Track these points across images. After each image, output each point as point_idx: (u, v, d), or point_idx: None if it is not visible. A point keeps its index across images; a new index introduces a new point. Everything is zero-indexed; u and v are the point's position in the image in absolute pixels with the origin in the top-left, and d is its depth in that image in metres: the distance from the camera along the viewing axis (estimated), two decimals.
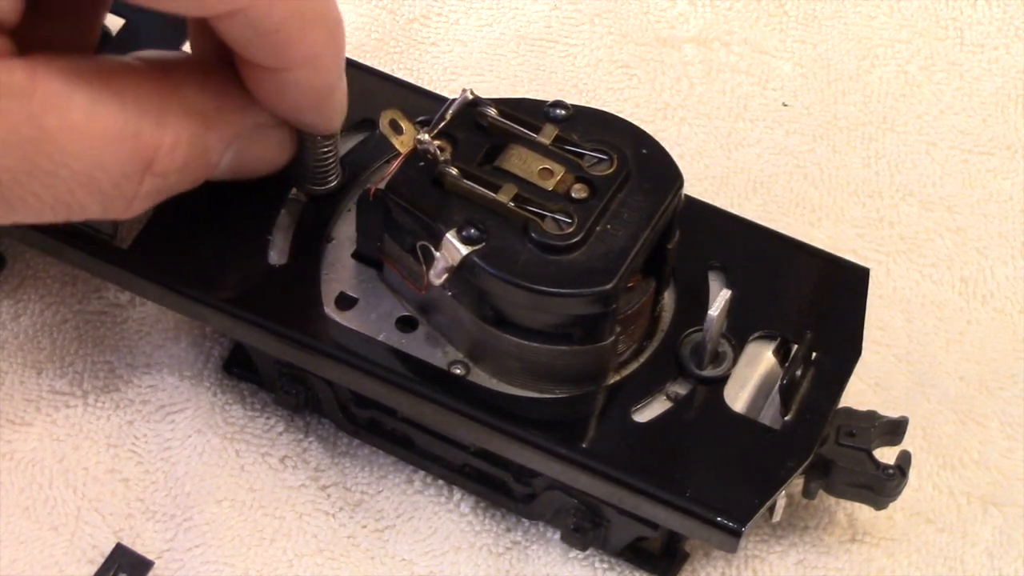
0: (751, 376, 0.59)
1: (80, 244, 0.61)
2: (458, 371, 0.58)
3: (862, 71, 0.75)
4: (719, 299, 0.57)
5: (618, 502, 0.57)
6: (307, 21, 0.52)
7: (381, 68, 0.67)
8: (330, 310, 0.59)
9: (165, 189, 0.54)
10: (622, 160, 0.57)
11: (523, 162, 0.57)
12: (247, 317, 0.59)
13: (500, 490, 0.61)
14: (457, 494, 0.62)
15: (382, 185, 0.57)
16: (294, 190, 0.62)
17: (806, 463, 0.57)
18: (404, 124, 0.57)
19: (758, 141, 0.72)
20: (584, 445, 0.56)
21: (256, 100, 0.55)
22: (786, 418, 0.57)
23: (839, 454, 0.58)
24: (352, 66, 0.65)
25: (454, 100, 0.58)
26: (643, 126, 0.58)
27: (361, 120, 0.63)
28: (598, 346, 0.57)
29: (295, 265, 0.60)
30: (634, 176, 0.57)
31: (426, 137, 0.57)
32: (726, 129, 0.73)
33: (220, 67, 0.55)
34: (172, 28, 0.65)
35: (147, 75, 0.53)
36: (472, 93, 0.58)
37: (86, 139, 0.50)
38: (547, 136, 0.57)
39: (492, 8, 0.76)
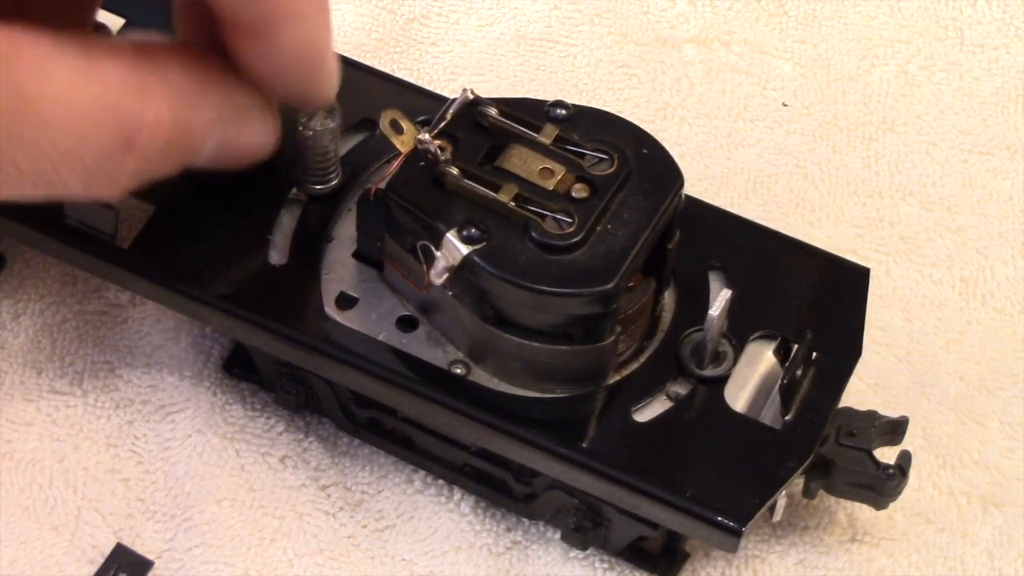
0: (751, 376, 0.59)
1: (80, 244, 0.61)
2: (459, 371, 0.58)
3: (862, 71, 0.75)
4: (719, 299, 0.57)
5: (618, 502, 0.57)
6: None
7: (381, 68, 0.67)
8: (330, 310, 0.59)
9: (147, 170, 0.53)
10: (623, 160, 0.57)
11: (524, 162, 0.57)
12: (247, 317, 0.59)
13: (500, 490, 0.61)
14: (457, 494, 0.62)
15: (383, 185, 0.57)
16: (294, 190, 0.62)
17: (806, 463, 0.57)
18: (404, 124, 0.57)
19: (758, 141, 0.72)
20: (584, 445, 0.56)
21: (244, 71, 0.55)
22: (786, 418, 0.57)
23: (839, 454, 0.58)
24: (352, 66, 0.65)
25: (455, 100, 0.58)
26: (643, 126, 0.58)
27: (361, 120, 0.63)
28: (598, 346, 0.57)
29: (295, 265, 0.60)
30: (635, 176, 0.57)
31: (426, 137, 0.57)
32: (726, 129, 0.73)
33: (204, 51, 0.55)
34: (172, 27, 0.65)
35: (129, 52, 0.52)
36: (472, 93, 0.58)
37: (67, 109, 0.50)
38: (548, 136, 0.57)
39: (492, 8, 0.76)
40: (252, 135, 0.57)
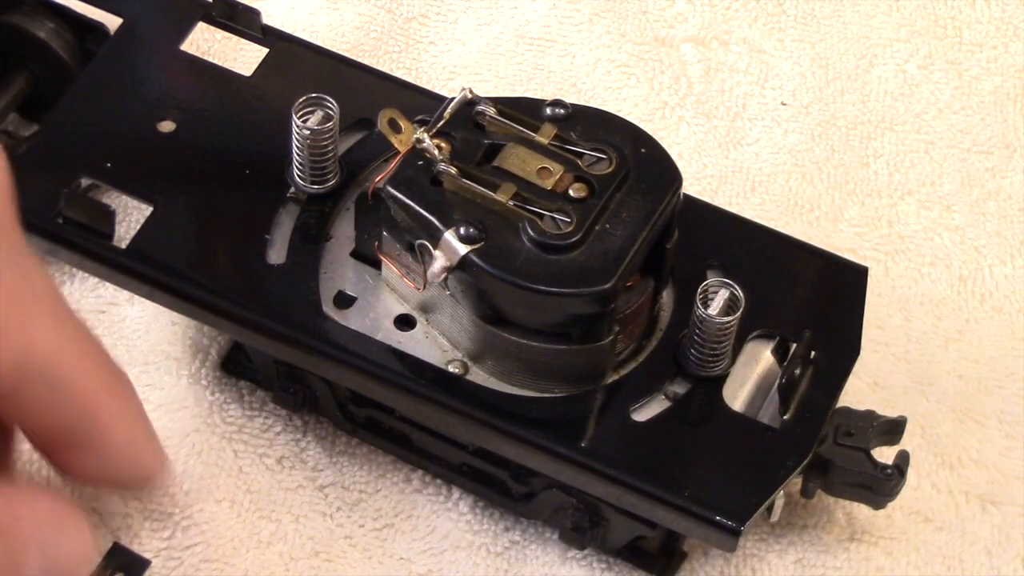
0: (750, 375, 0.59)
1: (77, 243, 0.61)
2: (456, 370, 0.58)
3: (861, 70, 0.75)
4: (717, 298, 0.57)
5: (616, 501, 0.57)
6: (92, 361, 0.50)
7: (379, 67, 0.67)
8: (328, 309, 0.59)
9: None
10: (621, 159, 0.57)
11: (522, 161, 0.57)
12: (245, 316, 0.59)
13: (498, 489, 0.61)
14: (455, 493, 0.62)
15: (381, 184, 0.57)
16: (292, 189, 0.62)
17: (805, 462, 0.57)
18: (403, 123, 0.57)
19: (756, 140, 0.72)
20: (583, 444, 0.56)
21: (67, 476, 0.52)
22: (785, 417, 0.57)
23: (837, 453, 0.58)
24: (351, 65, 0.65)
25: (453, 99, 0.58)
26: (641, 125, 0.58)
27: (359, 119, 0.63)
28: (597, 345, 0.57)
29: (293, 264, 0.60)
30: (633, 175, 0.57)
31: (425, 136, 0.57)
32: (724, 128, 0.73)
33: None
34: (170, 26, 0.65)
35: None
36: (471, 92, 0.58)
37: None
38: (546, 135, 0.57)
39: (491, 7, 0.76)
40: (72, 546, 0.52)
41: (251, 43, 0.66)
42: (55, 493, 0.53)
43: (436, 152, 0.56)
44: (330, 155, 0.61)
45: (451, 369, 0.58)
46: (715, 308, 0.57)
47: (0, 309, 0.47)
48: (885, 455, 0.58)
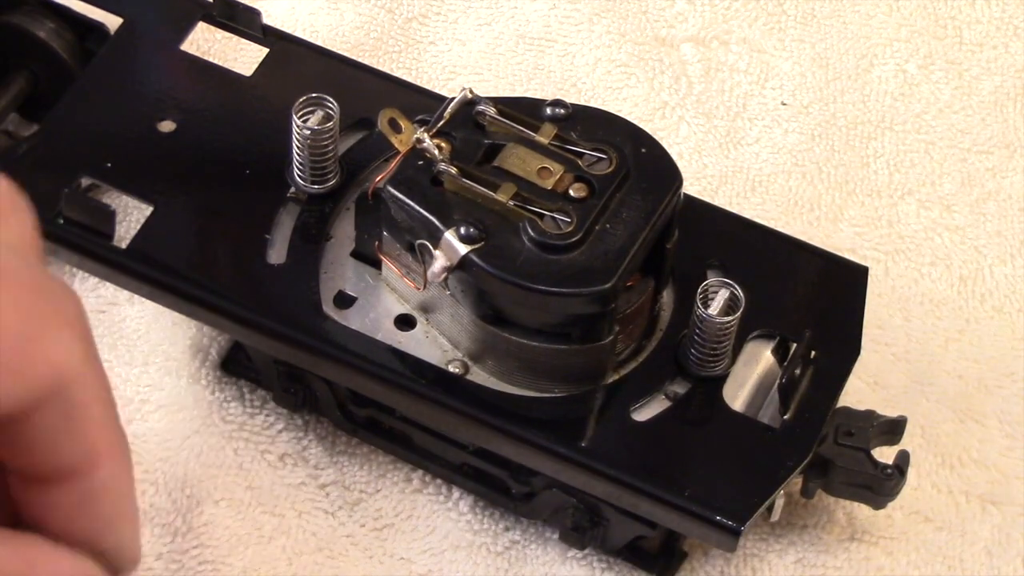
0: (750, 375, 0.59)
1: (78, 243, 0.61)
2: (456, 370, 0.58)
3: (861, 70, 0.75)
4: (718, 298, 0.57)
5: (617, 501, 0.57)
6: (107, 399, 0.48)
7: (380, 67, 0.67)
8: (329, 309, 0.59)
9: None
10: (621, 159, 0.57)
11: (522, 161, 0.57)
12: (245, 316, 0.59)
13: (498, 489, 0.61)
14: (456, 493, 0.62)
15: (381, 184, 0.57)
16: (292, 189, 0.62)
17: (805, 462, 0.57)
18: (403, 123, 0.57)
19: (757, 140, 0.72)
20: (583, 444, 0.56)
21: (40, 527, 0.49)
22: (785, 417, 0.57)
23: (838, 453, 0.58)
24: (351, 65, 0.66)
25: (453, 99, 0.58)
26: (642, 125, 0.58)
27: (360, 119, 0.63)
28: (597, 345, 0.57)
29: (293, 264, 0.60)
30: (633, 175, 0.57)
31: (425, 136, 0.57)
32: (725, 128, 0.73)
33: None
34: (170, 27, 0.65)
35: None
36: (471, 92, 0.58)
37: None
38: (546, 135, 0.57)
39: (491, 7, 0.76)
40: None
41: (251, 43, 0.66)
42: (73, 549, 0.52)
43: (436, 152, 0.56)
44: (330, 155, 0.61)
45: (451, 369, 0.58)
46: (715, 308, 0.57)
47: (44, 322, 0.46)
48: (885, 455, 0.58)
